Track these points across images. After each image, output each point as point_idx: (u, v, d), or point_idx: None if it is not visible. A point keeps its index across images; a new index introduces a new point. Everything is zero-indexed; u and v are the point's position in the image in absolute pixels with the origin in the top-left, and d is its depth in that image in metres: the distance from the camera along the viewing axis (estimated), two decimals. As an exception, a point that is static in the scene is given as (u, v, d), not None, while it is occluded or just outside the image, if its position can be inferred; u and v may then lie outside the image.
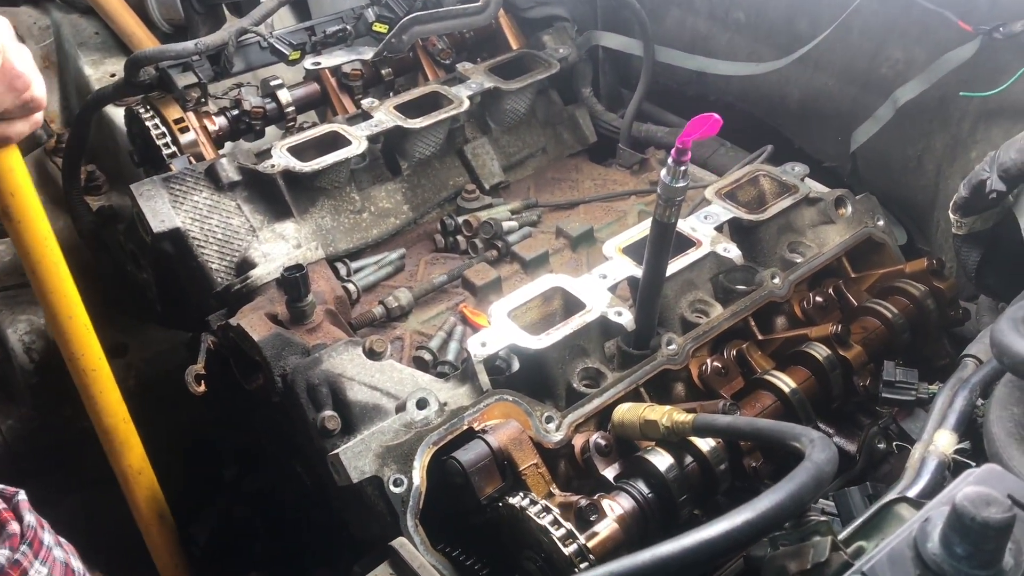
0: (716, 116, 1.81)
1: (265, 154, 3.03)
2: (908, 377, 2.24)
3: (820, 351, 2.30)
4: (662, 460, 2.01)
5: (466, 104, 3.23)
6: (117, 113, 3.53)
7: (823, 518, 1.22)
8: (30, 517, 1.64)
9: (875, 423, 2.33)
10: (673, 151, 1.92)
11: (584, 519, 1.86)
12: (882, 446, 2.30)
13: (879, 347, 2.39)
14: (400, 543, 1.84)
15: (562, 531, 1.79)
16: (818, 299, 2.53)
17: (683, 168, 1.95)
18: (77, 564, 1.75)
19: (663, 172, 1.98)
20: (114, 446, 2.84)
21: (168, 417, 3.69)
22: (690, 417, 1.94)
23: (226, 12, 3.88)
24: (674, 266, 2.39)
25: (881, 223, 2.73)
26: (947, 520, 1.00)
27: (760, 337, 2.48)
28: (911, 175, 2.99)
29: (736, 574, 2.02)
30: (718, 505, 2.17)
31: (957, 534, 0.99)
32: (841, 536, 1.23)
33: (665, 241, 2.11)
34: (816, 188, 2.76)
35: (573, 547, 1.77)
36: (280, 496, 2.89)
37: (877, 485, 1.88)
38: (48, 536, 1.69)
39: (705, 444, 2.04)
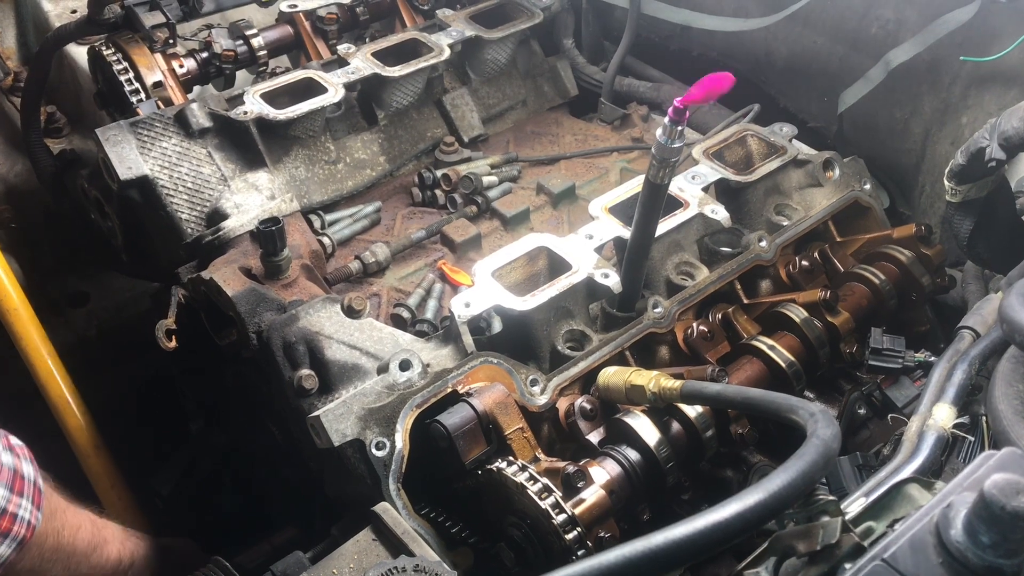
0: (730, 75, 1.74)
1: (237, 100, 2.91)
2: (895, 345, 2.22)
3: (808, 317, 2.27)
4: (648, 427, 1.97)
5: (446, 52, 3.13)
6: (79, 52, 3.38)
7: (831, 497, 1.20)
8: None
9: (856, 389, 2.32)
10: (671, 110, 1.85)
11: (571, 485, 1.83)
12: (862, 412, 2.29)
13: (865, 313, 2.37)
14: (383, 508, 1.80)
15: (550, 499, 1.76)
16: (804, 263, 2.50)
17: (680, 128, 1.88)
18: (28, 469, 1.69)
19: (658, 132, 1.91)
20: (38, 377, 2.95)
21: (131, 368, 3.61)
22: (677, 383, 1.91)
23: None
24: (661, 227, 2.33)
25: (868, 187, 2.70)
26: (973, 507, 0.97)
27: (746, 301, 2.45)
28: (897, 138, 2.96)
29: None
30: (701, 471, 2.16)
31: (984, 522, 0.96)
32: (849, 515, 1.20)
33: (657, 202, 2.05)
34: (803, 150, 2.72)
35: (561, 516, 1.74)
36: (248, 451, 2.83)
37: (867, 455, 1.86)
38: None
39: (692, 410, 2.02)
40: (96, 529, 1.97)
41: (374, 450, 1.90)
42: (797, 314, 2.28)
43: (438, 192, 3.05)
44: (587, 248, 2.30)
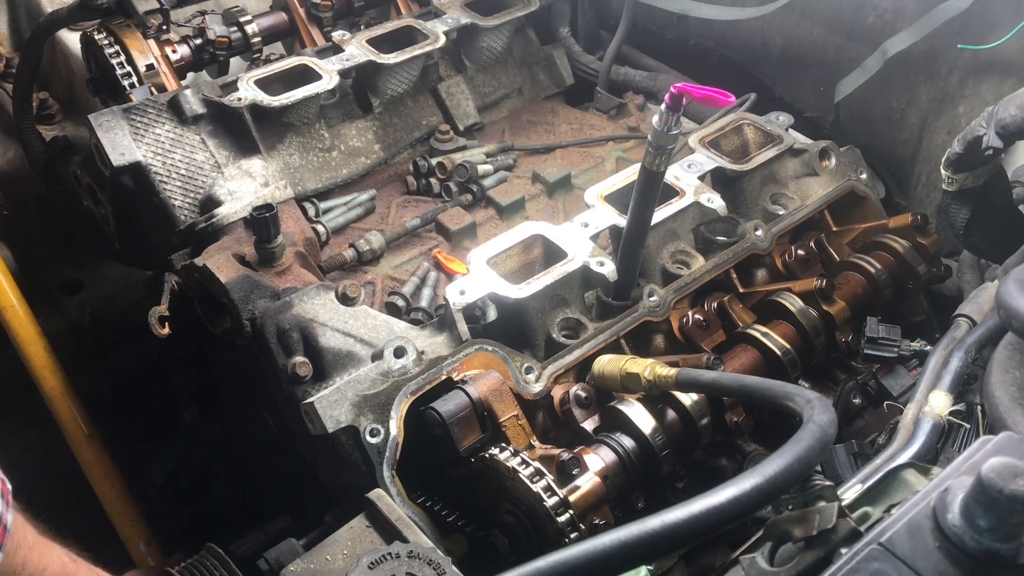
0: (732, 98, 1.75)
1: (230, 86, 2.89)
2: (891, 334, 2.22)
3: (804, 306, 2.26)
4: (643, 414, 1.97)
5: (442, 40, 3.11)
6: (72, 38, 3.35)
7: (827, 483, 1.19)
8: None
9: (851, 378, 2.32)
10: (667, 97, 1.84)
11: (566, 473, 1.82)
12: (857, 401, 2.29)
13: (861, 303, 2.37)
14: (377, 495, 1.79)
15: (542, 483, 1.75)
16: (800, 252, 2.49)
17: (676, 115, 1.87)
18: None
19: (655, 119, 1.90)
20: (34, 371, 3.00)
21: (124, 356, 3.60)
22: (673, 371, 1.90)
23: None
24: (657, 216, 2.32)
25: (864, 176, 2.69)
26: (970, 491, 0.97)
27: (741, 290, 2.44)
28: (894, 128, 2.95)
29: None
30: (696, 460, 2.15)
31: (981, 506, 0.96)
32: (845, 501, 1.19)
33: (652, 190, 2.04)
34: (800, 139, 2.71)
35: (553, 499, 1.73)
36: (242, 439, 2.82)
37: (862, 443, 1.86)
38: None
39: (687, 398, 2.01)
40: (65, 572, 1.84)
41: (368, 437, 1.89)
42: (793, 303, 2.28)
43: (433, 180, 3.04)
44: (583, 236, 2.29)
